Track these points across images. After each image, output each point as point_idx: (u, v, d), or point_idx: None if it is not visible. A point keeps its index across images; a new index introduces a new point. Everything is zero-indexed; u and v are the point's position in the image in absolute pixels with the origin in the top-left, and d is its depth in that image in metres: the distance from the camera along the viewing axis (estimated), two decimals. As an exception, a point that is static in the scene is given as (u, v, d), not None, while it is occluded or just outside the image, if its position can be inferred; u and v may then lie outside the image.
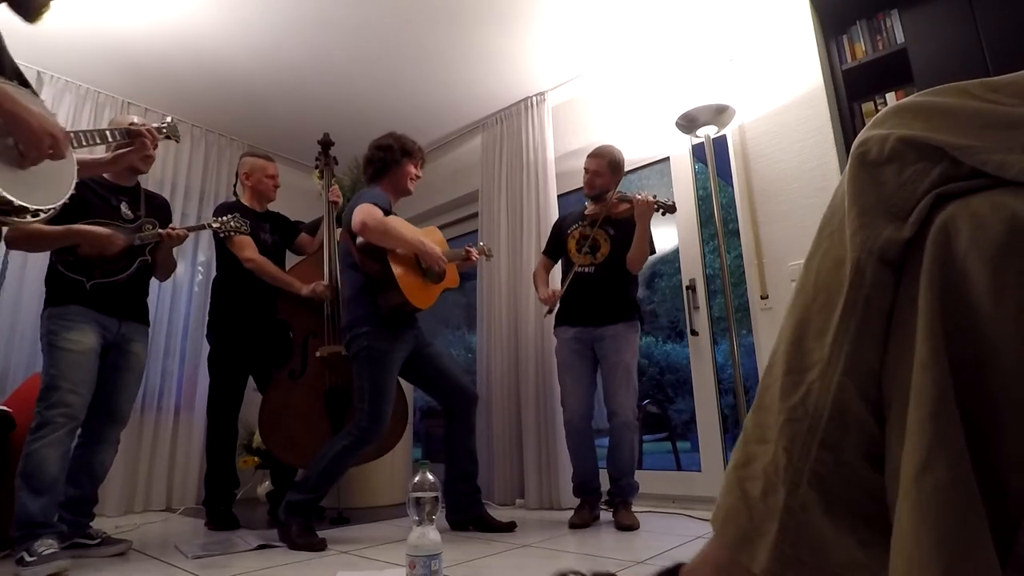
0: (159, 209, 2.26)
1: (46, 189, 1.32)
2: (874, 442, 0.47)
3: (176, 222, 2.38)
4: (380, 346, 2.15)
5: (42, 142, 1.25)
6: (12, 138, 1.22)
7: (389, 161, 2.35)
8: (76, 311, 1.94)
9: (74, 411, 1.86)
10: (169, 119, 1.99)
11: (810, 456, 0.49)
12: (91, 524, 2.00)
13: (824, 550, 0.48)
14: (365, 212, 2.10)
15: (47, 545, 1.67)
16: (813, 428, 0.49)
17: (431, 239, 2.37)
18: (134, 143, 1.84)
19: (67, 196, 1.39)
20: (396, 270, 2.14)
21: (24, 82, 1.33)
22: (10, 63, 1.31)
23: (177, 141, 2.06)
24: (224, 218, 2.35)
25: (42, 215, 1.29)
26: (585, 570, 0.93)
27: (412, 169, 2.39)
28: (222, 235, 2.44)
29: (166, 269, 2.29)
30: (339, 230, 3.05)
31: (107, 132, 1.73)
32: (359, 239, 2.13)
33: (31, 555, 1.63)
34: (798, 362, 0.51)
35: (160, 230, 2.13)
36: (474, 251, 2.60)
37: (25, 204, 1.24)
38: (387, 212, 2.19)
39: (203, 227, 2.40)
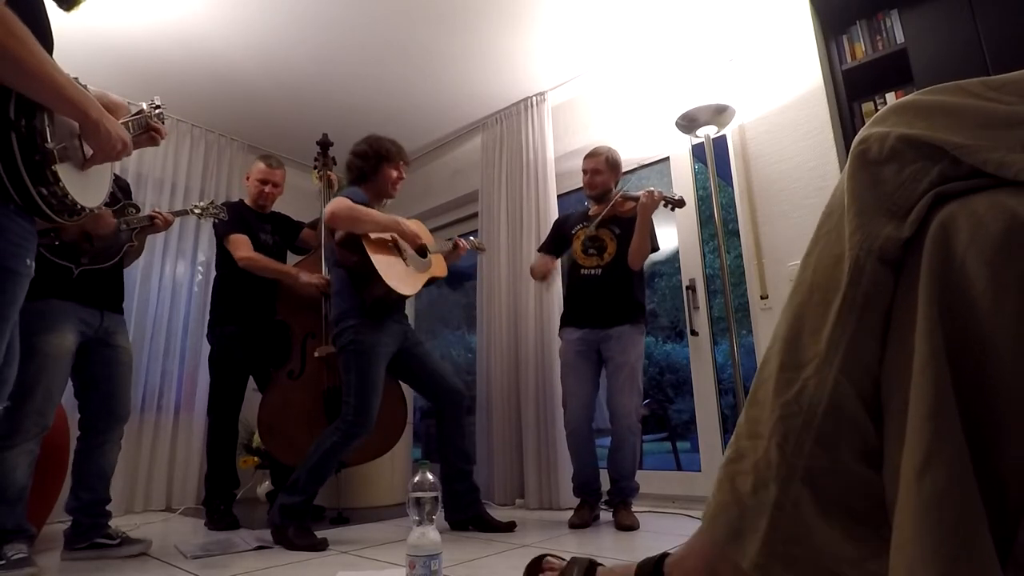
0: (125, 192, 2.20)
1: (94, 189, 1.32)
2: (868, 440, 0.47)
3: (176, 222, 2.37)
4: (366, 339, 2.14)
5: (115, 148, 1.24)
6: (79, 139, 1.22)
7: (366, 169, 2.32)
8: (56, 308, 1.87)
9: (46, 419, 1.81)
10: (157, 100, 1.80)
11: (803, 452, 0.48)
12: (109, 524, 1.98)
13: (815, 546, 0.48)
14: (334, 204, 2.12)
15: (17, 550, 1.66)
16: (808, 424, 0.48)
17: (420, 233, 2.35)
18: (147, 132, 1.78)
19: (107, 194, 1.39)
20: (374, 258, 2.13)
21: None
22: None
23: (162, 122, 1.97)
24: (203, 203, 2.35)
25: (85, 213, 1.27)
26: (565, 555, 0.93)
27: (393, 173, 2.34)
28: (204, 220, 2.42)
29: (137, 255, 2.26)
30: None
31: (130, 124, 1.67)
32: (336, 233, 2.14)
33: (1, 559, 1.63)
34: (793, 358, 0.51)
35: (152, 213, 2.11)
36: (462, 242, 2.57)
37: (85, 206, 1.24)
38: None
39: (186, 212, 2.38)
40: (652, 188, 2.35)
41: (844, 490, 0.48)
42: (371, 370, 2.13)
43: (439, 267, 2.46)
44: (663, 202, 2.34)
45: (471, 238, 2.76)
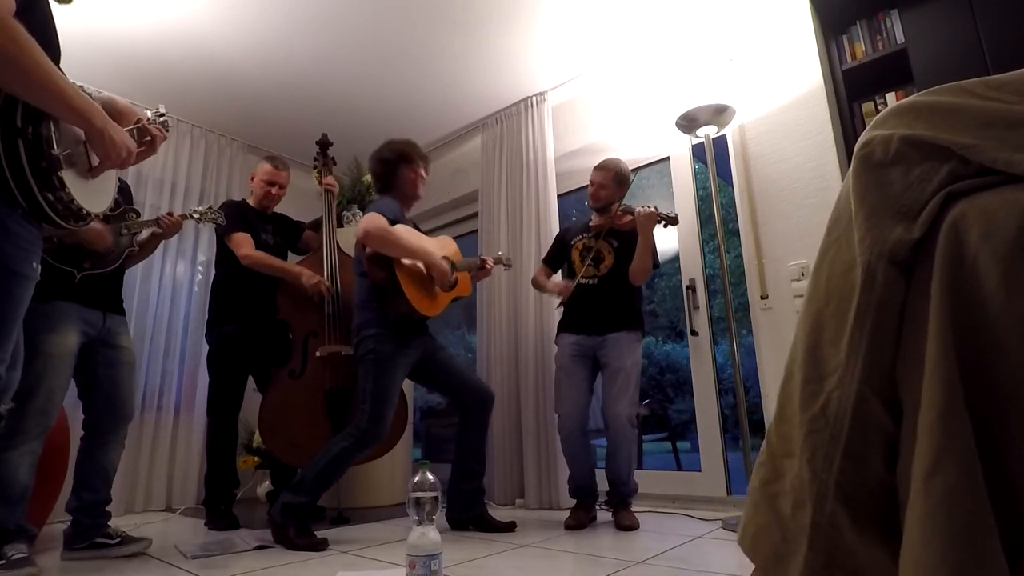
0: (124, 193, 2.19)
1: (99, 194, 1.34)
2: (896, 447, 0.45)
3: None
4: (386, 350, 2.16)
5: (120, 156, 1.27)
6: (85, 146, 1.24)
7: (388, 173, 2.36)
8: (60, 309, 1.88)
9: (49, 419, 1.82)
10: (161, 108, 1.82)
11: (833, 467, 0.47)
12: (109, 524, 1.98)
13: (855, 566, 0.46)
14: (368, 220, 2.12)
15: (18, 550, 1.66)
16: (835, 438, 0.47)
17: (445, 250, 2.36)
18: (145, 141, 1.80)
19: (112, 200, 1.42)
20: (402, 278, 2.15)
21: None
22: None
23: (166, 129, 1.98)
24: (201, 208, 2.36)
25: (91, 219, 1.30)
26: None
27: (410, 174, 2.38)
28: (201, 224, 2.43)
29: (140, 259, 2.28)
30: (341, 229, 3.02)
31: (133, 132, 1.67)
32: (368, 247, 2.15)
33: (1, 559, 1.63)
34: (815, 370, 0.50)
35: (159, 218, 2.15)
36: (489, 260, 2.56)
37: (91, 211, 1.27)
38: (395, 221, 2.18)
39: (185, 217, 2.37)
40: (649, 205, 2.36)
41: (879, 503, 0.46)
42: (388, 381, 2.14)
43: (464, 286, 2.48)
44: (658, 219, 2.35)
45: (499, 253, 2.76)
